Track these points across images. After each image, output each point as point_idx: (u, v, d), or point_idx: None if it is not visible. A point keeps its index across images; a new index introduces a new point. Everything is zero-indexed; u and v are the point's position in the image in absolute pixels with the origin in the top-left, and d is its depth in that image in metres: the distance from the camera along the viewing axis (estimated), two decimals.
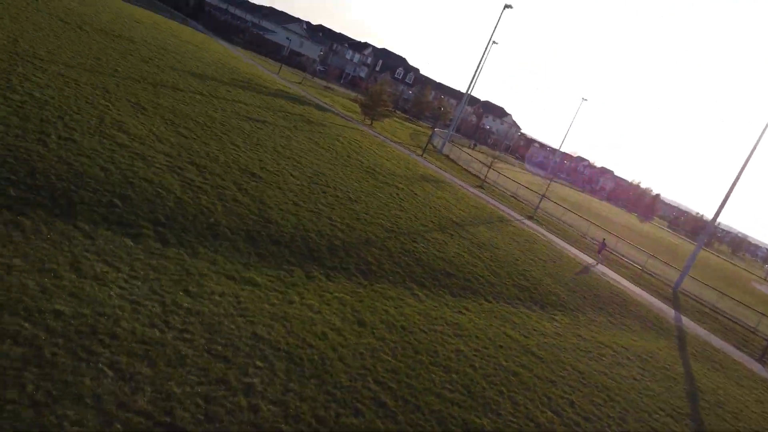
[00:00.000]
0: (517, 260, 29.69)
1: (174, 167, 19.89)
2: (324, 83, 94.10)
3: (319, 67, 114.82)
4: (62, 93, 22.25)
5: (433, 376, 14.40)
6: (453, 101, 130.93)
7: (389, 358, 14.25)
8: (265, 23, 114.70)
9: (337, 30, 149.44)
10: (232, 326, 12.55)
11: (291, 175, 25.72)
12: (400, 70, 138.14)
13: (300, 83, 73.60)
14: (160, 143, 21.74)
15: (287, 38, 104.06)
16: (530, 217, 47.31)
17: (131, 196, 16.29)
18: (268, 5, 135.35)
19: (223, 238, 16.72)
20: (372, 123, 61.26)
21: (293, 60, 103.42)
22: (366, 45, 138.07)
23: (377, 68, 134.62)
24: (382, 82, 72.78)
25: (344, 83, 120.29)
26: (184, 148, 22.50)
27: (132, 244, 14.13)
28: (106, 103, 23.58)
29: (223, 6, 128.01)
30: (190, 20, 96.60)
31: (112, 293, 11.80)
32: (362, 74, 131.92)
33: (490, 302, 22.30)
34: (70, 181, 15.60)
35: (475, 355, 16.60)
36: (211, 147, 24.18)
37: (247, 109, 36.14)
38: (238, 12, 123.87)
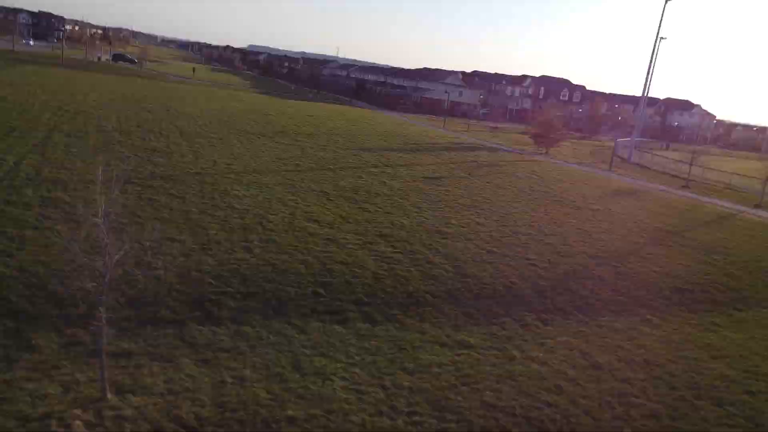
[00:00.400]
0: (759, 257, 25.42)
1: (364, 244, 20.19)
2: (490, 124, 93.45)
3: (483, 111, 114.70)
4: (257, 199, 24.11)
5: (703, 413, 12.20)
6: (629, 107, 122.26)
7: (643, 401, 12.37)
8: (422, 84, 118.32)
9: (492, 71, 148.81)
10: (459, 398, 11.76)
11: (477, 223, 24.96)
12: (564, 92, 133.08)
13: (467, 131, 73.78)
14: (347, 223, 22.38)
15: (445, 92, 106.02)
16: (757, 206, 40.99)
17: (331, 282, 16.64)
18: (422, 67, 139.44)
19: (426, 304, 16.27)
20: (547, 151, 58.80)
21: (455, 110, 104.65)
22: (524, 77, 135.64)
23: (540, 96, 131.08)
24: (549, 108, 70.27)
25: (510, 119, 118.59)
26: (370, 222, 22.92)
27: (342, 330, 14.20)
28: (294, 198, 25.08)
29: (381, 79, 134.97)
30: (354, 101, 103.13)
31: (335, 386, 11.72)
32: (526, 106, 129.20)
33: (741, 311, 19.05)
34: (277, 280, 16.37)
35: (747, 378, 13.93)
36: (394, 215, 24.40)
37: (422, 169, 36.55)
38: (395, 81, 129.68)
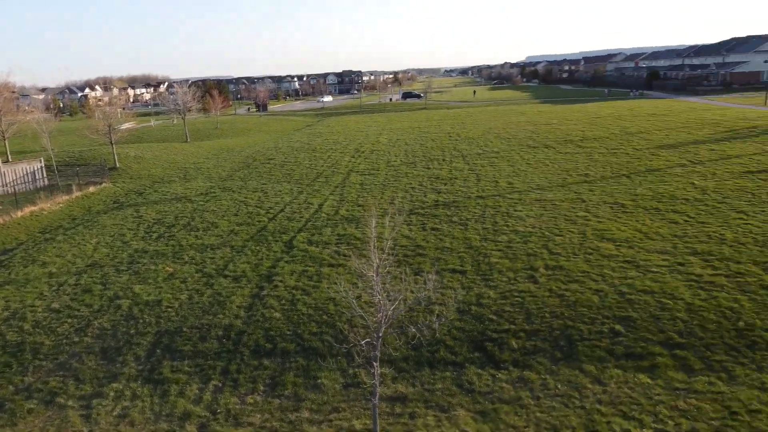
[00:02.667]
0: None
1: (673, 266, 16.85)
2: None
3: None
4: (541, 219, 22.38)
5: None
6: None
7: None
8: (730, 58, 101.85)
9: None
10: None
11: None
12: None
13: None
14: (650, 239, 19.15)
15: (765, 61, 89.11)
16: None
17: (632, 317, 13.99)
18: (730, 38, 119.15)
19: (766, 347, 12.51)
20: None
21: None
22: None
23: None
24: None
25: None
26: (679, 237, 19.27)
27: (648, 380, 11.60)
28: (584, 214, 22.65)
29: (677, 63, 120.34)
30: (646, 93, 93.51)
31: None
32: None
33: None
34: (565, 316, 14.42)
35: None
36: (711, 226, 20.18)
37: (742, 162, 30.30)
38: (695, 61, 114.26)
